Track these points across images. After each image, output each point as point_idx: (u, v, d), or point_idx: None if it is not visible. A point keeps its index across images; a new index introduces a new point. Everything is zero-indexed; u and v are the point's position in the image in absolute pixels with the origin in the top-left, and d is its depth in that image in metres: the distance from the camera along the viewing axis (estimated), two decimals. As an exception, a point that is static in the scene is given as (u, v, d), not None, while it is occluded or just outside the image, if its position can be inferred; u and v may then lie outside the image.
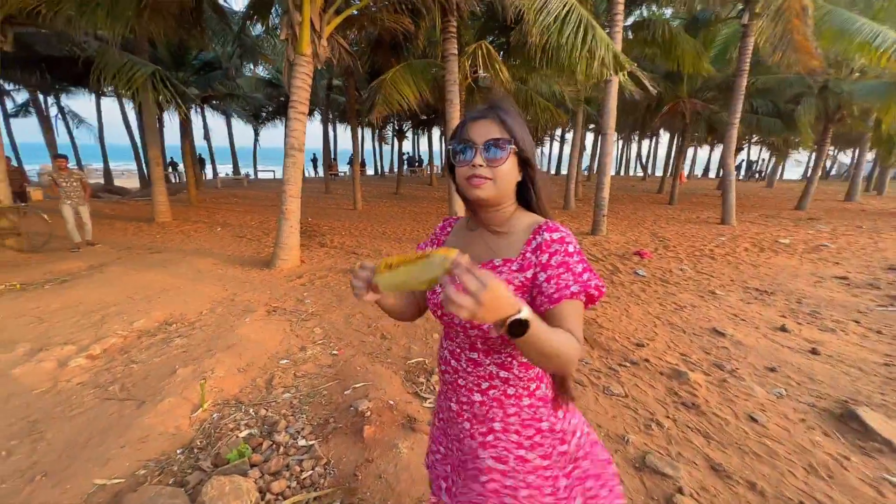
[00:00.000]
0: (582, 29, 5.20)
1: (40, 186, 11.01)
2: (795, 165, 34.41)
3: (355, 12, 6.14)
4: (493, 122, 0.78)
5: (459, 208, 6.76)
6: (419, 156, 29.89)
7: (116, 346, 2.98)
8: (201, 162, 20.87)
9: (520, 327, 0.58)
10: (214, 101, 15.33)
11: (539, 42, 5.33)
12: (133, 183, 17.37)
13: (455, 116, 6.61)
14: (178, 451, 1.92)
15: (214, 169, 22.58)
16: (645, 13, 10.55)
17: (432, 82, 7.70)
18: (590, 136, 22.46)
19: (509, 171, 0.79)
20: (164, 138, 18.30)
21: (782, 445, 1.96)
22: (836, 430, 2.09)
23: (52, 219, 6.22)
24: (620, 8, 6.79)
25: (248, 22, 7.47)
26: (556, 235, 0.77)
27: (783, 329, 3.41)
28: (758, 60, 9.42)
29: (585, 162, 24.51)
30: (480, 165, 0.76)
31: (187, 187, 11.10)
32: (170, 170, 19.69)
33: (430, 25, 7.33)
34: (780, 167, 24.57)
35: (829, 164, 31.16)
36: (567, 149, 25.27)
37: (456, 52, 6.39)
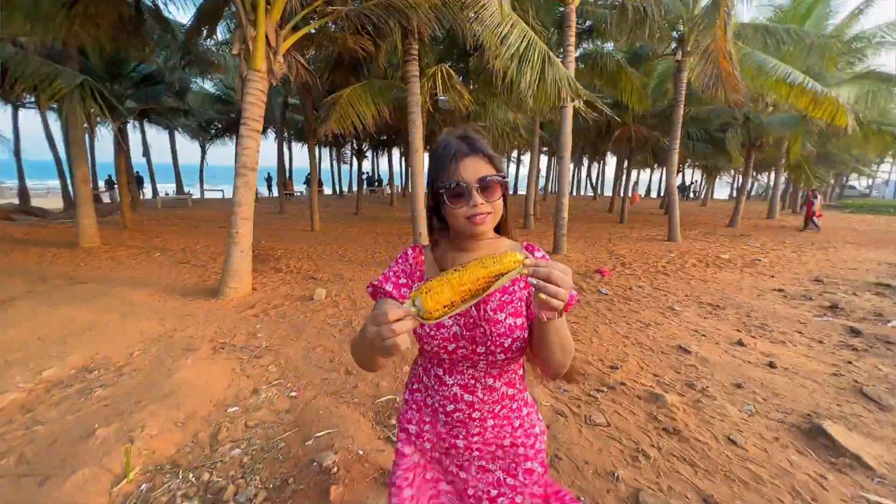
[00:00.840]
0: (540, 60, 5.41)
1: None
2: (722, 186, 38.23)
3: (314, 30, 5.98)
4: (478, 157, 0.80)
5: (424, 230, 6.64)
6: (379, 176, 29.66)
7: (16, 404, 2.45)
8: (139, 181, 19.19)
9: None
10: (155, 116, 14.24)
11: (501, 69, 5.46)
12: (56, 203, 15.52)
13: (417, 137, 6.56)
14: (92, 541, 1.54)
15: (154, 188, 20.85)
16: (589, 47, 11.35)
17: (393, 102, 7.66)
18: (543, 158, 23.51)
19: (501, 202, 0.83)
20: (94, 155, 16.73)
21: (764, 469, 1.95)
22: (808, 447, 2.13)
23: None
24: (572, 41, 7.21)
25: (196, 36, 7.06)
26: (540, 254, 0.86)
27: (740, 343, 3.56)
28: (691, 92, 10.40)
29: (541, 182, 25.63)
30: (481, 203, 0.78)
31: (121, 208, 10.04)
32: (103, 187, 17.93)
33: (391, 47, 7.34)
34: (711, 188, 27.15)
35: (750, 184, 35.00)
36: (523, 170, 26.28)
37: (417, 74, 6.40)
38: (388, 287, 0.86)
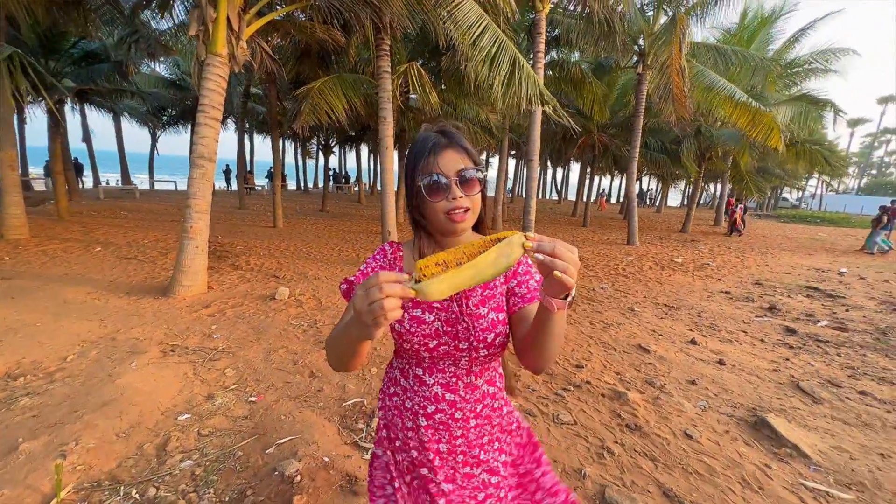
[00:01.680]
0: (510, 63, 5.48)
1: None
2: (675, 194, 40.82)
3: (280, 17, 5.71)
4: (457, 151, 0.78)
5: (393, 229, 6.53)
6: (346, 172, 28.97)
7: (-80, 417, 2.13)
8: (77, 168, 17.50)
9: (571, 294, 0.62)
10: (97, 98, 13.02)
11: (471, 71, 5.48)
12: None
13: (388, 134, 6.45)
14: (13, 572, 1.36)
15: (96, 177, 19.12)
16: (557, 55, 11.70)
17: (363, 98, 7.49)
18: (511, 162, 23.97)
19: (480, 198, 0.81)
20: (24, 137, 15.06)
21: (717, 461, 2.07)
22: (754, 439, 2.29)
23: None
24: (542, 47, 7.38)
25: (143, 10, 6.51)
26: None
27: (693, 342, 3.79)
28: (650, 104, 11.00)
29: (508, 185, 26.10)
30: (460, 197, 0.76)
31: (55, 197, 9.10)
32: (41, 174, 16.21)
33: (362, 41, 7.17)
34: (666, 195, 28.89)
35: (700, 193, 37.66)
36: (492, 172, 26.67)
37: (389, 70, 6.29)
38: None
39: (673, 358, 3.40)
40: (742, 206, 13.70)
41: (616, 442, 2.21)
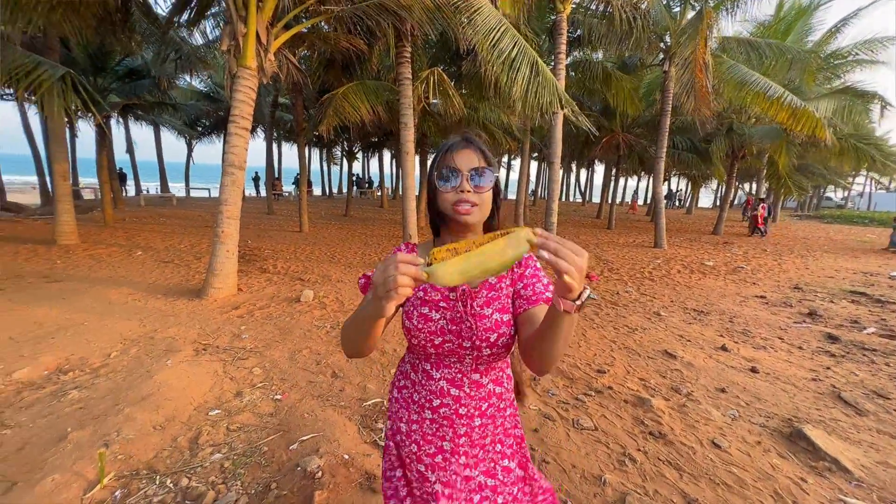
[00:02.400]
0: (530, 67, 5.46)
1: None
2: (707, 194, 39.14)
3: (305, 29, 5.93)
4: (474, 151, 0.84)
5: (414, 232, 6.61)
6: (369, 177, 29.52)
7: (-16, 406, 2.35)
8: (122, 177, 18.73)
9: (588, 299, 0.62)
10: (140, 112, 13.91)
11: (490, 75, 5.51)
12: (34, 199, 15.00)
13: (409, 139, 6.55)
14: (61, 551, 1.47)
15: (138, 185, 20.35)
16: (580, 55, 11.54)
17: (385, 104, 7.65)
18: (533, 164, 23.72)
19: (490, 198, 0.86)
20: (75, 150, 16.24)
21: (747, 472, 1.98)
22: (790, 451, 2.17)
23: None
24: (563, 48, 7.31)
25: (174, 28, 6.92)
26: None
27: (724, 349, 3.63)
28: (678, 103, 10.65)
29: (530, 187, 25.84)
30: (468, 191, 0.81)
31: (102, 205, 9.76)
32: (86, 185, 17.40)
33: (384, 49, 7.33)
34: (696, 196, 27.77)
35: (733, 194, 35.94)
36: (513, 175, 26.51)
37: (410, 76, 6.40)
38: None
39: (701, 364, 3.27)
40: (764, 205, 12.97)
41: (639, 449, 2.15)
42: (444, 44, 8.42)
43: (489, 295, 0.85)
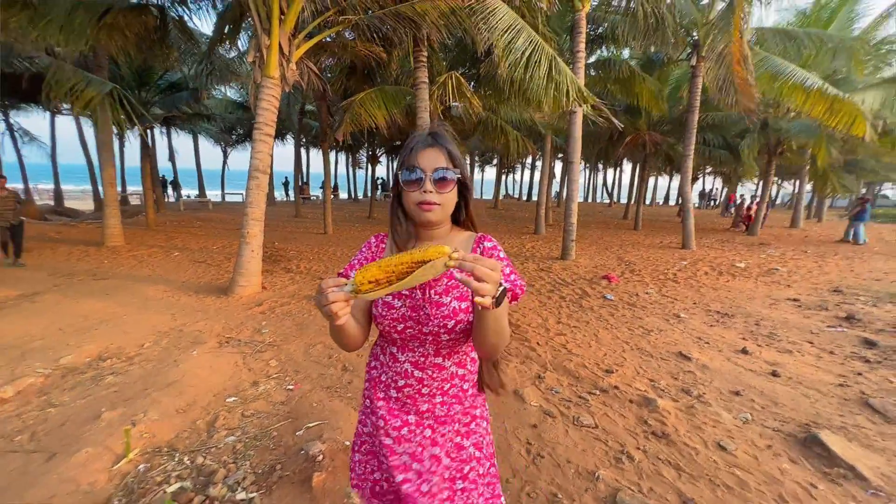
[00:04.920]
0: (547, 64, 5.44)
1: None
2: (745, 193, 37.01)
3: (326, 39, 6.18)
4: (439, 151, 0.86)
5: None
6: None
7: (34, 388, 2.62)
8: (174, 185, 20.13)
9: (503, 295, 0.68)
10: (180, 122, 14.88)
11: (507, 75, 5.53)
12: (89, 205, 16.33)
13: (426, 142, 6.66)
14: (90, 514, 1.64)
15: (178, 191, 21.67)
16: (605, 53, 11.31)
17: (405, 109, 7.81)
18: (559, 164, 23.34)
19: (453, 197, 0.90)
20: (123, 159, 17.57)
21: (752, 475, 1.91)
22: (802, 456, 2.08)
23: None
24: (582, 46, 7.22)
25: (219, 45, 7.39)
26: (490, 244, 0.92)
27: (744, 351, 3.48)
28: (707, 98, 10.23)
29: (556, 188, 25.42)
30: (430, 192, 0.84)
31: (145, 210, 10.51)
32: (133, 191, 18.76)
33: (403, 55, 7.51)
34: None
35: (774, 192, 33.81)
36: (538, 176, 26.14)
37: (427, 80, 6.53)
38: (352, 274, 0.92)
39: (717, 367, 3.15)
40: (757, 202, 13.06)
41: (638, 448, 2.12)
42: (463, 47, 8.50)
43: (449, 283, 0.89)
